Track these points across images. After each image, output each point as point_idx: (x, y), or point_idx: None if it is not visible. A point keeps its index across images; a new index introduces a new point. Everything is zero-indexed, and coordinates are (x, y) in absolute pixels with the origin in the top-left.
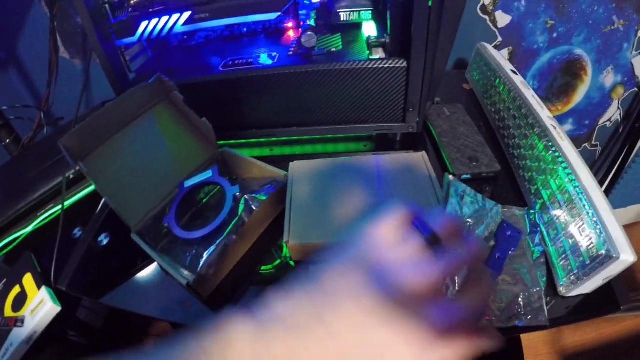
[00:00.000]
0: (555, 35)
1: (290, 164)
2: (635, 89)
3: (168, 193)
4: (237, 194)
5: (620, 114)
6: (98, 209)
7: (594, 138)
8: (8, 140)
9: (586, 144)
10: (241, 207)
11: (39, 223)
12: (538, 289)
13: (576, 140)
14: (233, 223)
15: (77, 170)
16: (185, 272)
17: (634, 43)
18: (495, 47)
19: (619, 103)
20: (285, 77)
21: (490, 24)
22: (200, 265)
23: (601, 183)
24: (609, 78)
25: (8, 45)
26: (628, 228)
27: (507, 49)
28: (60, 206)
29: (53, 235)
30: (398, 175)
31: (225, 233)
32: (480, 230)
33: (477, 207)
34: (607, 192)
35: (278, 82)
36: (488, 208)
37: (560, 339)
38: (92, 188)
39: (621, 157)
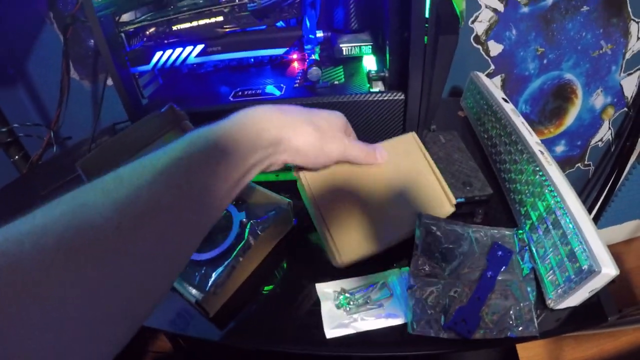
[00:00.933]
0: (545, 61)
1: (301, 173)
2: (625, 109)
3: None
4: (244, 219)
5: (611, 134)
6: None
7: (586, 158)
8: (17, 157)
9: (579, 164)
10: (247, 231)
11: None
12: (528, 302)
13: (569, 161)
14: (240, 246)
15: None
16: (194, 291)
17: (622, 65)
18: (489, 75)
19: (609, 123)
20: None
21: (483, 53)
22: (209, 284)
23: (595, 201)
24: (599, 100)
25: (19, 63)
26: (624, 244)
27: (499, 76)
28: None
29: None
30: (398, 161)
31: (233, 255)
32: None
33: None
34: (601, 210)
35: None
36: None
37: (560, 356)
38: None
39: (614, 175)
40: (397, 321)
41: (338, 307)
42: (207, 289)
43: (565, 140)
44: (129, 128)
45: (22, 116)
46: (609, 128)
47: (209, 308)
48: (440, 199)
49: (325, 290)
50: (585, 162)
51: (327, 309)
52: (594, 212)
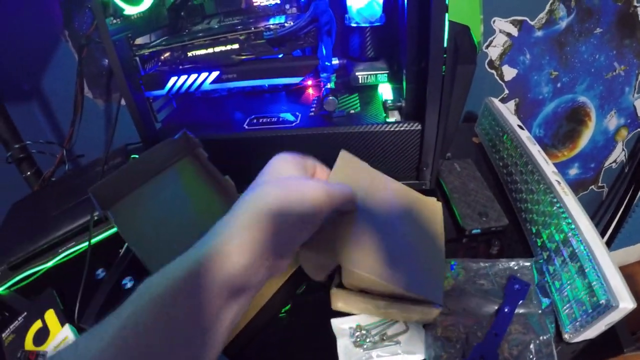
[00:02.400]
0: (559, 85)
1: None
2: (639, 129)
3: (190, 245)
4: None
5: (625, 155)
6: (122, 252)
7: (600, 180)
8: (29, 173)
9: (592, 186)
10: None
11: (59, 259)
12: (548, 336)
13: (582, 183)
14: None
15: (103, 214)
16: None
17: (635, 86)
18: (503, 99)
19: (623, 144)
20: (309, 138)
21: (497, 78)
22: None
23: (609, 222)
24: (612, 121)
25: (34, 80)
26: (638, 264)
27: (513, 100)
28: (82, 245)
29: (72, 273)
30: (414, 216)
31: None
32: None
33: None
34: (615, 231)
35: (301, 142)
36: None
37: None
38: (112, 231)
39: (628, 196)
40: (415, 358)
41: (355, 344)
42: None
43: (579, 162)
44: (142, 155)
45: (35, 133)
46: (623, 149)
47: None
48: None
49: (341, 326)
50: (599, 184)
51: (343, 346)
52: (608, 233)
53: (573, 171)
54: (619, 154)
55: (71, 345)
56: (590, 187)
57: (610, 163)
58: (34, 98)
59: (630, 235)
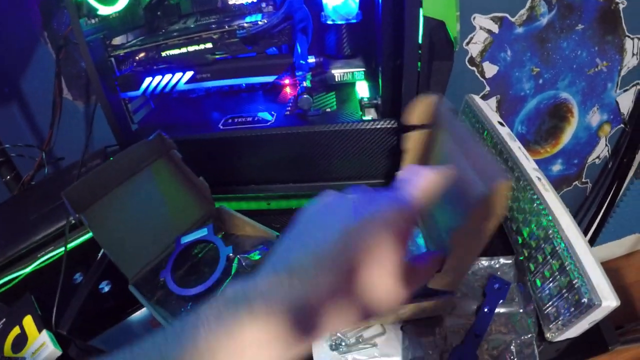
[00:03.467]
0: (541, 81)
1: None
2: (622, 125)
3: (165, 247)
4: (231, 254)
5: (608, 151)
6: (99, 256)
7: (583, 176)
8: (8, 177)
9: (576, 182)
10: (234, 266)
11: (38, 265)
12: (530, 335)
13: (566, 179)
14: (227, 282)
15: (79, 218)
16: None
17: (617, 82)
18: (484, 96)
19: (606, 140)
20: (284, 137)
21: (478, 75)
22: None
23: (593, 218)
24: (595, 117)
25: (13, 82)
26: (623, 259)
27: (495, 97)
28: (60, 250)
29: (51, 278)
30: None
31: (219, 291)
32: None
33: None
34: (600, 226)
35: (276, 141)
36: None
37: None
38: (90, 235)
39: (612, 191)
40: None
41: (330, 347)
42: None
43: (562, 159)
44: (115, 157)
45: (15, 136)
46: (606, 145)
47: None
48: None
49: None
50: (583, 180)
51: (318, 350)
52: (593, 228)
53: (556, 167)
54: (602, 150)
55: None
56: (574, 183)
57: (594, 159)
58: (13, 100)
59: (615, 230)
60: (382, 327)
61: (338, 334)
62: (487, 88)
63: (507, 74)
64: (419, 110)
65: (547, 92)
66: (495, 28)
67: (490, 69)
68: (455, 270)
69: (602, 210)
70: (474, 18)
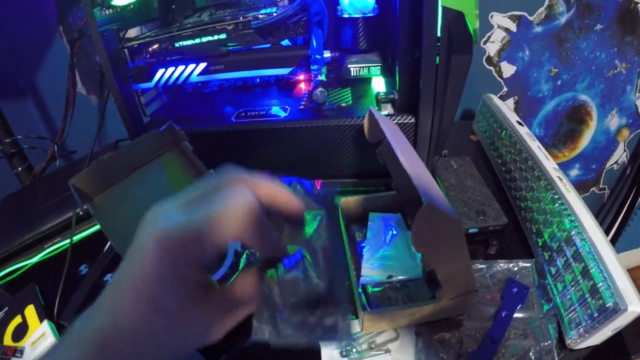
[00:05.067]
0: (559, 82)
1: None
2: None
3: None
4: (239, 249)
5: (626, 156)
6: (106, 248)
7: (601, 181)
8: (20, 169)
9: (594, 188)
10: (242, 261)
11: (44, 255)
12: (549, 342)
13: (584, 185)
14: (234, 277)
15: (86, 209)
16: None
17: (637, 84)
18: (501, 97)
19: (624, 145)
20: (297, 131)
21: (496, 75)
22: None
23: (610, 225)
24: (613, 121)
25: (27, 75)
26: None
27: (512, 98)
28: (67, 241)
29: (57, 268)
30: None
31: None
32: None
33: None
34: (616, 234)
35: (290, 135)
36: None
37: None
38: (99, 227)
39: (630, 198)
40: None
41: (341, 354)
42: None
43: (580, 163)
44: (125, 146)
45: (28, 128)
46: (624, 150)
47: None
48: None
49: None
50: (600, 186)
51: (328, 356)
52: (609, 236)
53: (574, 172)
54: (620, 155)
55: None
56: (591, 189)
57: (612, 164)
58: (27, 93)
59: (633, 238)
60: (396, 332)
61: (350, 340)
62: (505, 88)
63: (525, 75)
64: (368, 127)
65: (565, 94)
66: (513, 27)
67: (508, 69)
68: (452, 285)
69: (620, 218)
70: (492, 16)
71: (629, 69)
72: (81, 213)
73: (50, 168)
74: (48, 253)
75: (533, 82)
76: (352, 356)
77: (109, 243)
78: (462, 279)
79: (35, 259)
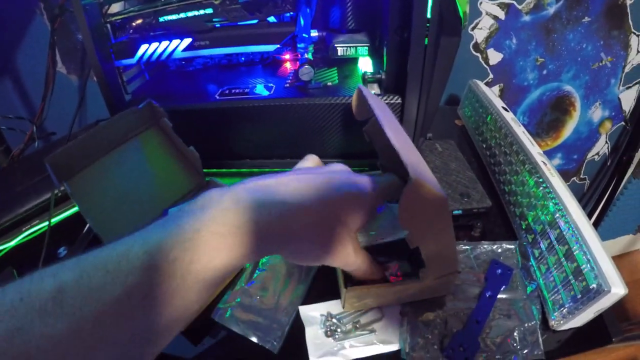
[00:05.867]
0: (545, 72)
1: None
2: (623, 122)
3: (152, 220)
4: None
5: (608, 148)
6: (85, 229)
7: (582, 172)
8: None
9: (574, 178)
10: None
11: (23, 238)
12: (533, 322)
13: (565, 174)
14: None
15: (64, 189)
16: None
17: (621, 78)
18: (487, 84)
19: (606, 137)
20: (282, 109)
21: (482, 62)
22: None
23: (589, 215)
24: (596, 113)
25: (5, 53)
26: (617, 259)
27: (498, 85)
28: (46, 223)
29: (36, 252)
30: None
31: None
32: None
33: None
34: (595, 225)
35: (274, 114)
36: None
37: None
38: (77, 208)
39: (609, 189)
40: (391, 347)
41: (325, 334)
42: None
43: (562, 153)
44: (102, 123)
45: (6, 109)
46: (606, 142)
47: None
48: None
49: (310, 313)
50: (581, 176)
51: (313, 335)
52: None
53: (556, 162)
54: (602, 147)
55: None
56: (572, 179)
57: (593, 155)
58: (5, 72)
59: (611, 228)
60: (381, 312)
61: (334, 320)
62: (491, 75)
63: (511, 62)
64: (356, 104)
65: (550, 84)
66: (501, 14)
67: (494, 56)
68: (436, 265)
69: (599, 209)
70: (481, 3)
71: (614, 63)
72: (59, 194)
73: (29, 150)
74: (26, 236)
75: (519, 70)
76: (336, 336)
77: (87, 225)
78: (446, 259)
79: (12, 243)
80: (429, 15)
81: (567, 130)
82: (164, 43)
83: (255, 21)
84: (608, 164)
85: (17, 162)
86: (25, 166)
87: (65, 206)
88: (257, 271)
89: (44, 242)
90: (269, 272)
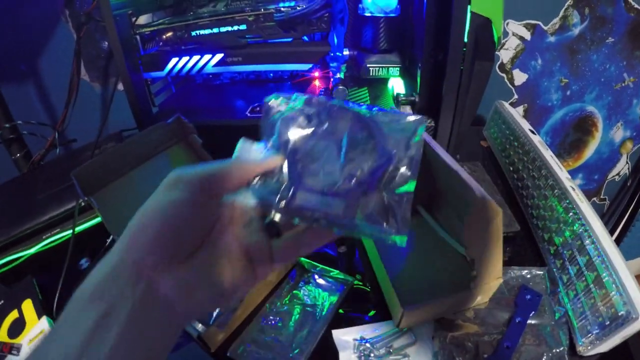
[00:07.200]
0: (568, 92)
1: None
2: None
3: None
4: None
5: (628, 168)
6: (108, 242)
7: (602, 192)
8: (18, 155)
9: (595, 198)
10: None
11: (43, 246)
12: (561, 348)
13: (585, 195)
14: None
15: (88, 200)
16: (197, 324)
17: None
18: (511, 104)
19: (627, 157)
20: None
21: (508, 82)
22: (213, 318)
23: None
24: (618, 133)
25: (30, 59)
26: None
27: (522, 106)
28: (67, 232)
29: (55, 261)
30: None
31: None
32: None
33: None
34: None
35: None
36: None
37: None
38: (99, 219)
39: (629, 210)
40: None
41: (359, 358)
42: (210, 322)
43: (583, 173)
44: (131, 138)
45: (29, 114)
46: (627, 162)
47: (210, 343)
48: None
49: (344, 338)
50: (601, 197)
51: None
52: None
53: (577, 182)
54: (622, 167)
55: None
56: (592, 199)
57: (614, 176)
58: (29, 78)
59: (630, 249)
60: (413, 336)
61: (367, 344)
62: (516, 96)
63: (536, 83)
64: None
65: (574, 104)
66: (527, 35)
67: (519, 77)
68: (486, 273)
69: (619, 230)
70: (508, 24)
71: (637, 83)
72: (83, 204)
73: (49, 156)
74: (46, 244)
75: (543, 91)
76: None
77: (111, 237)
78: (495, 267)
79: (32, 250)
80: (465, 39)
81: (589, 151)
82: (195, 57)
83: (288, 39)
84: (628, 184)
85: (37, 169)
86: (46, 173)
87: (88, 216)
88: (273, 308)
89: (67, 252)
90: (285, 311)
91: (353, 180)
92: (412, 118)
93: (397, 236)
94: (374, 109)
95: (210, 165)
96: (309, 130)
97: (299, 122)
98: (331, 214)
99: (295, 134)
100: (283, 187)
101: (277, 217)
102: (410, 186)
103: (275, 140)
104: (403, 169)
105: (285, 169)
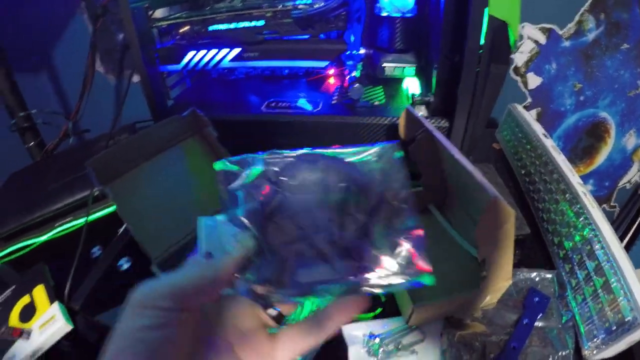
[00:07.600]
0: (582, 98)
1: None
2: None
3: (192, 229)
4: None
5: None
6: (120, 231)
7: (613, 199)
8: (32, 143)
9: (605, 205)
10: None
11: (55, 234)
12: (567, 351)
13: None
14: None
15: (102, 190)
16: None
17: None
18: (525, 107)
19: (639, 165)
20: (332, 126)
21: (522, 85)
22: None
23: None
24: (630, 140)
25: (45, 49)
26: None
27: (535, 109)
28: (79, 220)
29: (67, 249)
30: None
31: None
32: None
33: None
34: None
35: (321, 129)
36: None
37: None
38: (112, 208)
39: (639, 218)
40: None
41: (368, 352)
42: None
43: (594, 180)
44: (146, 130)
45: (43, 104)
46: (638, 170)
47: None
48: None
49: (353, 333)
50: (612, 204)
51: (355, 355)
52: None
53: (587, 188)
54: (634, 174)
55: None
56: (602, 206)
57: (625, 183)
58: (44, 68)
59: (638, 257)
60: (422, 334)
61: (375, 341)
62: (529, 99)
63: (550, 87)
64: (404, 125)
65: (587, 110)
66: (542, 39)
67: (534, 80)
68: (496, 274)
69: (628, 237)
70: (523, 27)
71: None
72: (96, 193)
73: (62, 145)
74: (59, 232)
75: (557, 95)
76: (379, 356)
77: (124, 226)
78: (505, 268)
79: (44, 237)
80: (482, 42)
81: (601, 157)
82: (212, 51)
83: (305, 36)
84: (639, 192)
85: (50, 157)
86: (60, 162)
87: (100, 206)
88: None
89: (80, 239)
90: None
91: (353, 233)
92: (377, 148)
93: (424, 277)
94: (336, 150)
95: (177, 277)
96: (280, 196)
97: (267, 191)
98: (344, 278)
99: (266, 202)
100: (274, 271)
101: (281, 306)
102: (412, 221)
103: (241, 213)
104: (398, 203)
105: (266, 250)
